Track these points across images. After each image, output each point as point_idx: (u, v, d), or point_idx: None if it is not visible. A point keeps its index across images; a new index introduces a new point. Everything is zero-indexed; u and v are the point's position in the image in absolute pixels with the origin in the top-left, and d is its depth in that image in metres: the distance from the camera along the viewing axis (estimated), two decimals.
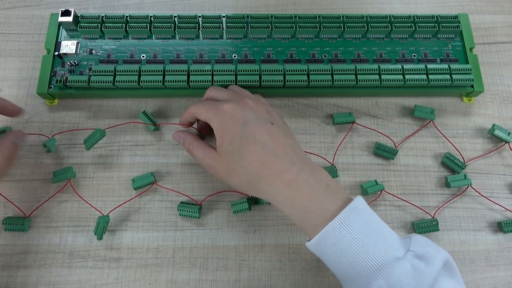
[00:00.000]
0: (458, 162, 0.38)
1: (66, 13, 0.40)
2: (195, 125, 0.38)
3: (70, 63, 0.39)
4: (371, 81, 0.38)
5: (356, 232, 0.27)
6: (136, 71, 0.37)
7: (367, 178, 0.38)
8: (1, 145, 0.33)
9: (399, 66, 0.39)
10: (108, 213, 0.36)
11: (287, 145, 0.31)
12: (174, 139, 0.36)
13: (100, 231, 0.34)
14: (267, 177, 0.29)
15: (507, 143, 0.39)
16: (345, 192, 0.29)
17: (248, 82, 0.38)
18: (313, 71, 0.38)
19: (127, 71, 0.38)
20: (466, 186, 0.38)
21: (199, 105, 0.33)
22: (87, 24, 0.40)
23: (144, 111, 0.38)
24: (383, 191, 0.37)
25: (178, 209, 0.36)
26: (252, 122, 0.31)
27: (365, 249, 0.26)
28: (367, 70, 0.38)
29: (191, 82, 0.38)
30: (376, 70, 0.39)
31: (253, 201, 0.36)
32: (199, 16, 0.41)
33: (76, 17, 0.40)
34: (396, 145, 0.39)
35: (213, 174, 0.33)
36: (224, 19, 0.41)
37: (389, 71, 0.39)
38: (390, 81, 0.38)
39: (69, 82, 0.37)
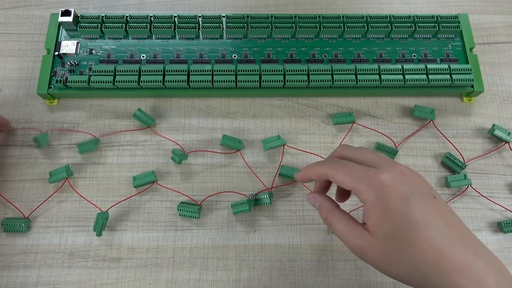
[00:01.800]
0: (458, 162, 0.38)
1: (66, 13, 0.40)
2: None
3: (70, 63, 0.39)
4: (371, 81, 0.38)
5: None
6: (136, 71, 0.38)
7: None
8: None
9: (399, 66, 0.39)
10: (108, 209, 0.36)
11: (459, 226, 0.25)
12: (308, 200, 0.30)
13: (99, 227, 0.34)
14: (449, 272, 0.23)
15: (507, 143, 0.39)
16: None
17: (248, 82, 0.38)
18: (313, 71, 0.38)
19: (127, 71, 0.38)
20: (466, 186, 0.38)
21: (339, 167, 0.27)
22: (87, 24, 0.40)
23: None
24: None
25: (178, 209, 0.36)
26: (417, 197, 0.25)
27: None
28: (367, 70, 0.38)
29: (191, 82, 0.38)
30: (376, 70, 0.39)
31: (253, 202, 0.36)
32: (199, 16, 0.41)
33: (76, 17, 0.40)
34: (396, 145, 0.39)
35: (361, 257, 0.26)
36: (224, 19, 0.41)
37: (389, 71, 0.39)
38: (390, 81, 0.38)
39: (69, 82, 0.37)
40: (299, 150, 0.39)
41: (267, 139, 0.38)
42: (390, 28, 0.41)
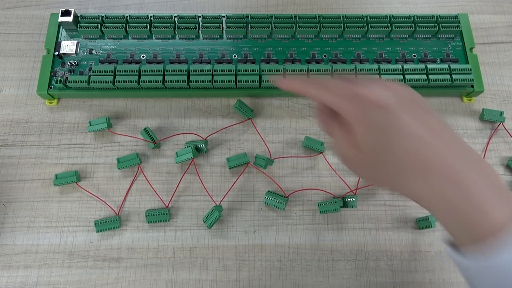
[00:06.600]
0: None
1: (66, 13, 0.40)
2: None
3: (70, 63, 0.39)
4: None
5: None
6: (136, 71, 0.38)
7: None
8: None
9: (399, 66, 0.39)
10: (220, 202, 0.37)
11: (445, 134, 0.24)
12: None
13: (213, 220, 0.35)
14: (421, 173, 0.23)
15: (501, 123, 0.40)
16: None
17: (248, 82, 0.38)
18: (313, 71, 0.38)
19: (127, 71, 0.38)
20: None
21: (318, 86, 0.26)
22: (87, 24, 0.40)
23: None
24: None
25: (265, 196, 0.36)
26: (399, 108, 0.24)
27: None
28: (367, 70, 0.38)
29: (191, 82, 0.38)
30: (376, 70, 0.39)
31: (342, 203, 0.36)
32: (199, 16, 0.41)
33: (76, 17, 0.40)
34: None
35: (346, 166, 0.27)
36: (224, 19, 0.41)
37: (389, 71, 0.39)
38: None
39: (69, 82, 0.37)
40: None
41: None
42: (390, 28, 0.41)
